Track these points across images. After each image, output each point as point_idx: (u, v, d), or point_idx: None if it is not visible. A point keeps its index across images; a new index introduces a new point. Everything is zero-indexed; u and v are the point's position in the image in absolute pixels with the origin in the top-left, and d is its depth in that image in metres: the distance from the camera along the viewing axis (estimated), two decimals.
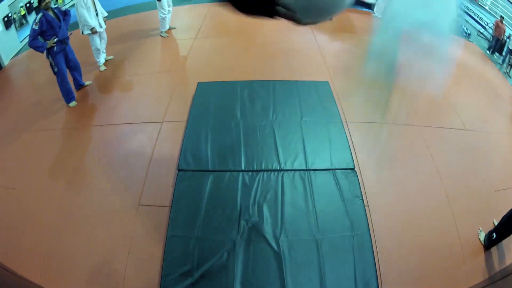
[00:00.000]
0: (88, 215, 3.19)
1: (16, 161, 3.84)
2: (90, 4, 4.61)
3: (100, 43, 5.03)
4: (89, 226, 3.10)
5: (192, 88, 4.55)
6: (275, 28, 6.41)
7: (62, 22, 4.02)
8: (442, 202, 3.31)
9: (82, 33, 4.81)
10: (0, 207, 3.34)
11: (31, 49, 4.06)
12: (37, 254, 2.91)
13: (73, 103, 4.42)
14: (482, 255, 2.93)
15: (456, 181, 3.53)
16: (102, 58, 5.18)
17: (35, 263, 2.85)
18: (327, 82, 4.58)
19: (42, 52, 3.96)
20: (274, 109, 4.03)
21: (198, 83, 4.54)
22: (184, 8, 7.27)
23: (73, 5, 4.84)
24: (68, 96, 4.37)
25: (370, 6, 7.57)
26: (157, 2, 5.70)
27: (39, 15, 3.82)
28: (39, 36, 3.93)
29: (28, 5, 6.85)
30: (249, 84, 4.52)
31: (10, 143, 4.08)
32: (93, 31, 4.75)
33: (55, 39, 3.94)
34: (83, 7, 4.52)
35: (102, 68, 5.18)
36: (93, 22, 4.70)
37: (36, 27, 3.78)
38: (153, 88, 4.79)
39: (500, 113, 4.75)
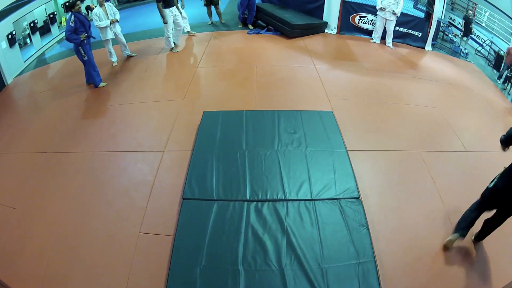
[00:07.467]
0: (87, 240, 3.22)
1: (16, 181, 3.92)
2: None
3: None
4: (88, 252, 3.12)
5: (193, 118, 4.65)
6: (274, 57, 6.63)
7: (90, 22, 5.24)
8: (444, 225, 3.35)
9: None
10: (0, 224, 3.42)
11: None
12: (35, 275, 2.94)
13: (102, 84, 5.47)
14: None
15: (458, 202, 3.56)
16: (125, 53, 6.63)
17: (33, 285, 2.89)
18: (331, 112, 4.68)
19: (77, 43, 4.98)
20: (279, 138, 4.13)
21: (204, 112, 4.63)
22: (184, 38, 7.56)
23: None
24: (98, 77, 5.41)
25: (368, 32, 7.79)
26: (163, 24, 6.57)
27: (72, 16, 4.84)
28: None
29: (32, 24, 6.97)
30: (254, 113, 4.64)
31: (11, 163, 4.20)
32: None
33: (85, 34, 5.01)
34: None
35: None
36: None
37: (72, 24, 4.81)
38: (154, 117, 4.89)
39: (501, 132, 4.80)
